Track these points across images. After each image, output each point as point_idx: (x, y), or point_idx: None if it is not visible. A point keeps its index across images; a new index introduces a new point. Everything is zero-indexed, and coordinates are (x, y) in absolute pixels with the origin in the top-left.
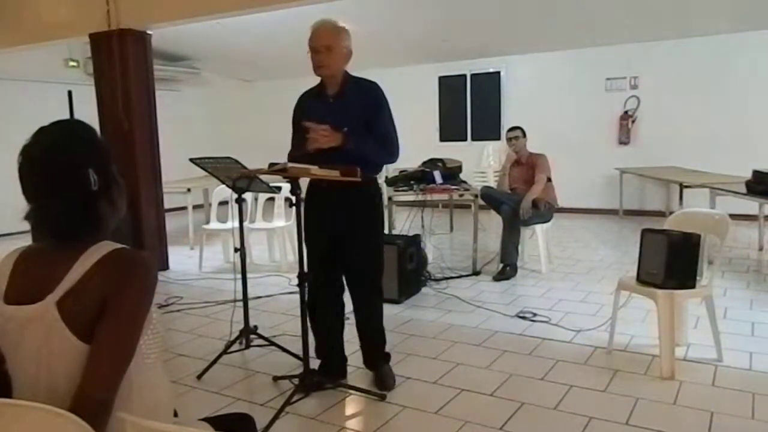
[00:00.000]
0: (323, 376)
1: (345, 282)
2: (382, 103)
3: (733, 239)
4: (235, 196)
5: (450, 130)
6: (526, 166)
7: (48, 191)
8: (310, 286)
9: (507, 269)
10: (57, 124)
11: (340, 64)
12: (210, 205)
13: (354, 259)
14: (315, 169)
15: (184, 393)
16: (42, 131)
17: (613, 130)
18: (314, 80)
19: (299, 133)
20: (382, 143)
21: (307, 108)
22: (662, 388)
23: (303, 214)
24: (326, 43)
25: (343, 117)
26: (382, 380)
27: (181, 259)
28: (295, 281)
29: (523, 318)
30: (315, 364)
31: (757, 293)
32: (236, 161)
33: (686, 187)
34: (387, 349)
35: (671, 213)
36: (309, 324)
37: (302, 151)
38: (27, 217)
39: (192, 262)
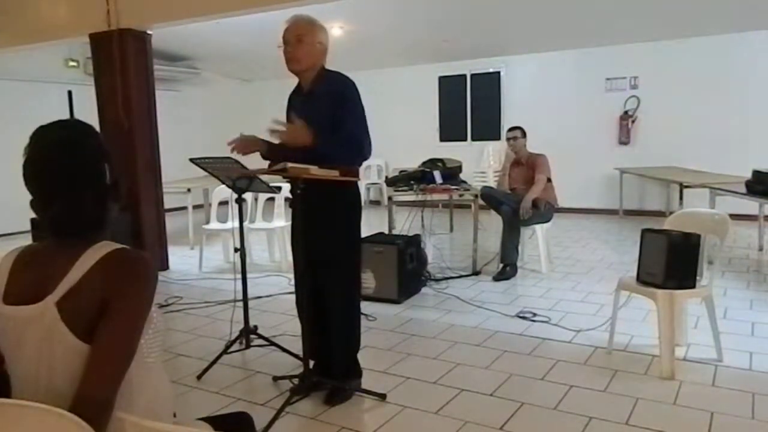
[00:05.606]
0: (321, 375)
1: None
2: (348, 99)
3: (733, 239)
4: (235, 196)
5: (450, 130)
6: (526, 167)
7: (65, 188)
8: (296, 285)
9: (507, 269)
10: (60, 123)
11: (311, 58)
12: (210, 205)
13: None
14: (315, 169)
15: (184, 393)
16: (47, 129)
17: (613, 130)
18: None
19: None
20: (344, 143)
21: (291, 105)
22: (662, 388)
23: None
24: (297, 33)
25: (313, 114)
26: (331, 392)
27: (181, 259)
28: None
29: (523, 318)
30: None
31: (757, 293)
32: (236, 161)
33: (686, 187)
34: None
35: (671, 213)
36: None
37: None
38: (39, 216)
39: (192, 262)
